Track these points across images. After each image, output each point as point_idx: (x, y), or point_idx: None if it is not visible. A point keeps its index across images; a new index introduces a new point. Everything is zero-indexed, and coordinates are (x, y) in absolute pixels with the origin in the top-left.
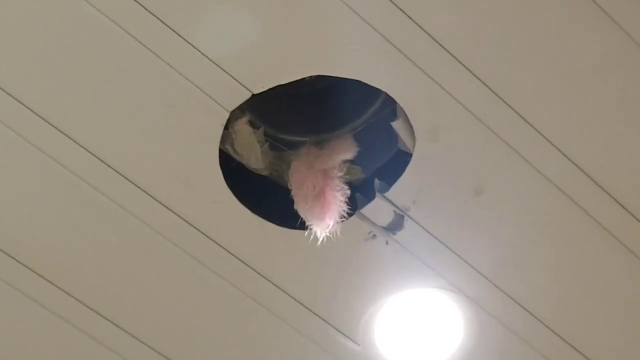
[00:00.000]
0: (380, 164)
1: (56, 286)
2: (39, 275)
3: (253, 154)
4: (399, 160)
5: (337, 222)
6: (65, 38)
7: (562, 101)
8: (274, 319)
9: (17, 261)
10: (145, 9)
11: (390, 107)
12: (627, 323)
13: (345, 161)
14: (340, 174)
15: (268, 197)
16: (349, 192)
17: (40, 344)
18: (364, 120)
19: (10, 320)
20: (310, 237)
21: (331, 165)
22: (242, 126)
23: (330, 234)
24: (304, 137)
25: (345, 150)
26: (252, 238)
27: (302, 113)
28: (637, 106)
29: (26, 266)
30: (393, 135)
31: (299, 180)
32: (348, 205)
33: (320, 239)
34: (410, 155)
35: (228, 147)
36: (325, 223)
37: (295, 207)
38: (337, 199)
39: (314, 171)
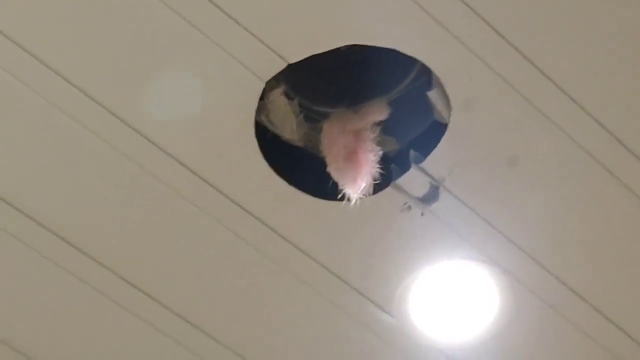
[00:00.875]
0: (415, 134)
1: (93, 259)
2: (77, 248)
3: (288, 124)
4: (434, 131)
5: (370, 184)
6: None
7: (599, 71)
8: (309, 291)
9: (64, 240)
10: None
11: (425, 77)
12: None
13: (377, 123)
14: (372, 135)
15: (303, 168)
16: (381, 153)
17: (85, 323)
18: (399, 91)
19: (53, 297)
20: (346, 208)
21: (363, 127)
22: (278, 97)
23: (363, 196)
24: (338, 108)
25: (377, 112)
26: (287, 209)
27: (336, 84)
28: None
29: (68, 242)
30: (428, 106)
31: (331, 142)
32: (383, 173)
33: (353, 202)
34: (445, 126)
35: (263, 118)
36: (357, 185)
37: (327, 169)
38: (370, 160)
39: (346, 133)
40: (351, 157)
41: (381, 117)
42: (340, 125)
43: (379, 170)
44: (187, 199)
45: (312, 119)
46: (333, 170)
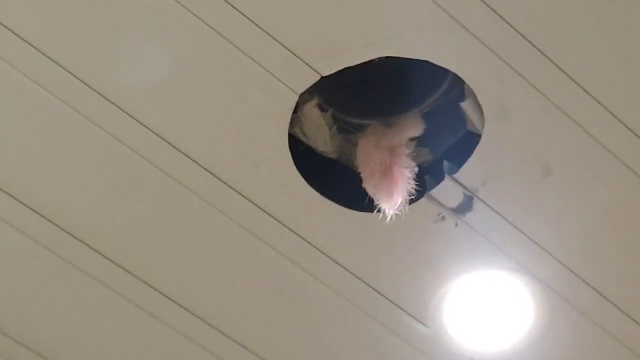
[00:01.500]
0: (449, 145)
1: (132, 274)
2: (113, 262)
3: (321, 137)
4: (467, 141)
5: (406, 200)
6: (139, 24)
7: (633, 78)
8: (344, 302)
9: (97, 252)
10: None
11: (458, 88)
12: None
13: (412, 139)
14: (407, 151)
15: (337, 180)
16: (416, 169)
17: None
18: (431, 102)
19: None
20: (379, 220)
21: (398, 143)
22: (311, 109)
23: (398, 211)
24: (372, 120)
25: (412, 128)
26: (321, 221)
27: (370, 96)
28: None
29: (98, 252)
30: (461, 117)
31: (366, 157)
32: (417, 184)
33: (389, 218)
34: (478, 136)
35: (297, 131)
36: (393, 200)
37: (363, 185)
38: (405, 175)
39: (381, 148)
40: (387, 173)
41: (416, 133)
42: (375, 141)
43: (414, 186)
44: (220, 209)
45: (346, 130)
46: (369, 186)
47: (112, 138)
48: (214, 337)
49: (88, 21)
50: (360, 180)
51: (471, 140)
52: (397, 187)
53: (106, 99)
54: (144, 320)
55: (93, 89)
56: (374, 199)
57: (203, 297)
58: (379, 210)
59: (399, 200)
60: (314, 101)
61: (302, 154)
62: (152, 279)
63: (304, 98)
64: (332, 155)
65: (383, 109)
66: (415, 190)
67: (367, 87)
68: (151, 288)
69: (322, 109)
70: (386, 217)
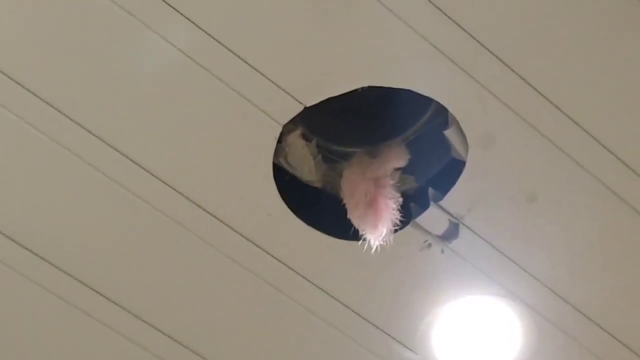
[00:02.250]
0: (434, 172)
1: (113, 302)
2: (92, 289)
3: (306, 166)
4: (452, 168)
5: (390, 231)
6: (120, 56)
7: (616, 105)
8: (331, 329)
9: (72, 276)
10: (197, 26)
11: (442, 115)
12: None
13: (397, 169)
14: (392, 182)
15: (322, 209)
16: (401, 200)
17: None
18: (416, 130)
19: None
20: (365, 248)
21: (383, 174)
22: (295, 139)
23: (383, 242)
24: (356, 148)
25: (396, 158)
26: (307, 250)
27: (354, 124)
28: None
29: (76, 278)
30: (445, 144)
31: (351, 189)
32: (401, 214)
33: (374, 248)
34: (463, 163)
35: (282, 160)
36: (378, 231)
37: (348, 216)
38: (390, 206)
39: (366, 179)
40: (371, 204)
41: (401, 164)
42: (360, 172)
43: (398, 216)
44: (206, 240)
45: (331, 159)
46: (354, 217)
47: (95, 170)
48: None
49: (71, 56)
50: (345, 209)
51: (456, 167)
52: (382, 219)
53: (89, 132)
54: (131, 353)
55: (73, 120)
56: (359, 230)
57: (189, 326)
58: (364, 240)
59: (384, 231)
60: (298, 131)
61: (287, 183)
62: (135, 307)
63: (288, 128)
64: (317, 185)
65: (367, 137)
66: (401, 217)
67: (351, 116)
68: (134, 316)
69: (306, 138)
70: (371, 247)
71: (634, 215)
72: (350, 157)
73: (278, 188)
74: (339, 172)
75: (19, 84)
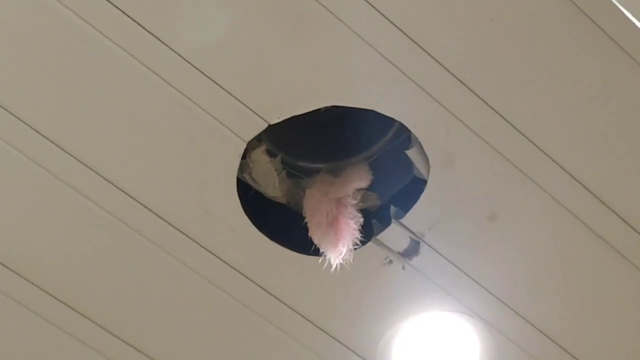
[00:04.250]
0: (396, 190)
1: (86, 317)
2: (75, 311)
3: (270, 182)
4: (414, 187)
5: (351, 250)
6: (88, 74)
7: (571, 127)
8: (293, 343)
9: (56, 299)
10: (162, 42)
11: (405, 134)
12: None
13: (359, 189)
14: (354, 202)
15: (286, 224)
16: (362, 220)
17: None
18: (379, 147)
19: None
20: (327, 263)
21: (345, 194)
22: (260, 155)
23: (343, 260)
24: (320, 164)
25: (359, 179)
26: (270, 264)
27: (318, 140)
28: None
29: (65, 303)
30: (408, 162)
31: (313, 208)
32: (362, 232)
33: (334, 266)
34: (425, 181)
35: (246, 176)
36: (338, 250)
37: (309, 234)
38: (351, 226)
39: (328, 199)
40: (332, 224)
41: (363, 184)
42: (323, 191)
43: (359, 236)
44: (170, 253)
45: (295, 175)
46: (315, 236)
47: (63, 184)
48: None
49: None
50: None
51: (418, 185)
52: (343, 238)
53: (62, 149)
54: None
55: (45, 137)
56: (320, 248)
57: (153, 338)
58: (325, 256)
59: (344, 250)
60: (263, 147)
61: (252, 198)
62: (103, 321)
63: (252, 144)
64: (282, 200)
65: (331, 153)
66: (363, 234)
67: (315, 132)
68: (106, 331)
69: (270, 154)
70: (331, 265)
71: (591, 235)
72: (315, 174)
73: (242, 203)
74: (302, 188)
75: None
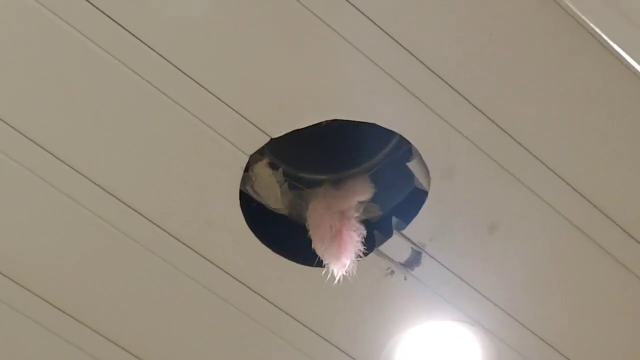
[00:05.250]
0: (398, 201)
1: (92, 329)
2: (73, 317)
3: (273, 195)
4: (415, 198)
5: (354, 262)
6: (94, 90)
7: (569, 137)
8: (297, 354)
9: (51, 304)
10: (165, 58)
11: (405, 147)
12: None
13: (361, 202)
14: (357, 214)
15: (288, 236)
16: (365, 232)
17: None
18: (380, 159)
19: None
20: (330, 275)
21: (348, 207)
22: (262, 169)
23: (347, 273)
24: (322, 176)
25: (362, 192)
26: (273, 276)
27: (320, 152)
28: None
29: (62, 310)
30: (409, 174)
31: (317, 222)
32: (364, 244)
33: (338, 278)
34: (426, 193)
35: (249, 189)
36: (342, 262)
37: (313, 246)
38: (354, 239)
39: (332, 212)
40: (336, 238)
41: (365, 197)
42: (326, 204)
43: (362, 248)
44: (176, 267)
45: (297, 187)
46: (319, 249)
47: (67, 198)
48: None
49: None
50: (310, 237)
51: (419, 197)
52: (346, 251)
53: (62, 161)
54: None
55: (41, 147)
56: (324, 261)
57: (153, 346)
58: (328, 267)
59: (348, 263)
60: (265, 161)
61: (254, 211)
62: (102, 329)
63: (255, 158)
64: (284, 212)
65: (333, 165)
66: (365, 245)
67: (317, 144)
68: (105, 339)
69: (273, 166)
70: (335, 277)
71: (589, 243)
72: (316, 185)
73: (245, 215)
74: (305, 200)
75: None
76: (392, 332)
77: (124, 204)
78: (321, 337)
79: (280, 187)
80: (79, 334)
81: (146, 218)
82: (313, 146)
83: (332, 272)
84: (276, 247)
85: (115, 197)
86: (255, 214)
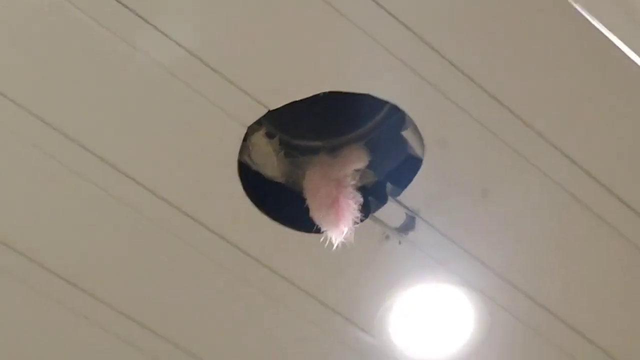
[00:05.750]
0: (392, 167)
1: (102, 301)
2: (83, 290)
3: (269, 163)
4: (409, 164)
5: (351, 229)
6: (88, 65)
7: (565, 106)
8: (294, 316)
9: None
10: (161, 31)
11: (399, 116)
12: (633, 311)
13: (357, 170)
14: (353, 182)
15: (285, 203)
16: (361, 199)
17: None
18: (374, 125)
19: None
20: (326, 240)
21: (344, 174)
22: (259, 139)
23: (344, 239)
24: (317, 142)
25: (357, 159)
26: (271, 242)
27: (315, 118)
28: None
29: (70, 282)
30: (403, 141)
31: (314, 190)
32: (361, 210)
33: (335, 245)
34: (420, 160)
35: (246, 158)
36: (339, 229)
37: (310, 214)
38: (351, 206)
39: (328, 180)
40: (333, 205)
41: (361, 165)
42: (322, 172)
43: (359, 215)
44: (176, 235)
45: (293, 154)
46: (316, 217)
47: (66, 169)
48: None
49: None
50: (307, 204)
51: (413, 163)
52: (344, 218)
53: (66, 135)
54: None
55: (47, 123)
56: (321, 228)
57: (156, 314)
58: (325, 234)
59: (345, 230)
60: (262, 131)
61: (252, 179)
62: (107, 297)
63: (252, 128)
64: (280, 180)
65: (328, 131)
66: (361, 211)
67: (312, 111)
68: (113, 309)
69: (269, 135)
70: (332, 241)
71: (581, 208)
72: (311, 151)
73: (243, 184)
74: (301, 168)
75: None
76: (387, 294)
77: (124, 174)
78: (317, 299)
79: (277, 155)
80: (78, 301)
81: (146, 188)
82: (308, 114)
83: (330, 238)
84: (273, 214)
85: (115, 168)
86: (253, 182)
